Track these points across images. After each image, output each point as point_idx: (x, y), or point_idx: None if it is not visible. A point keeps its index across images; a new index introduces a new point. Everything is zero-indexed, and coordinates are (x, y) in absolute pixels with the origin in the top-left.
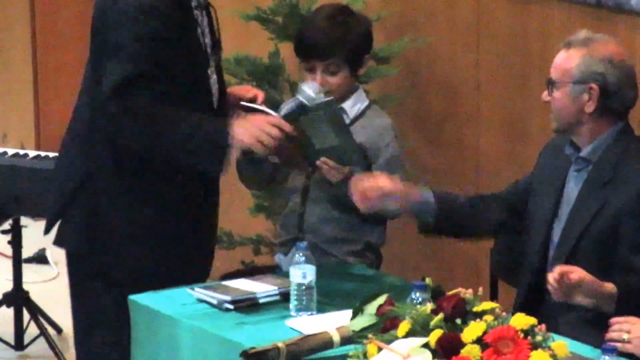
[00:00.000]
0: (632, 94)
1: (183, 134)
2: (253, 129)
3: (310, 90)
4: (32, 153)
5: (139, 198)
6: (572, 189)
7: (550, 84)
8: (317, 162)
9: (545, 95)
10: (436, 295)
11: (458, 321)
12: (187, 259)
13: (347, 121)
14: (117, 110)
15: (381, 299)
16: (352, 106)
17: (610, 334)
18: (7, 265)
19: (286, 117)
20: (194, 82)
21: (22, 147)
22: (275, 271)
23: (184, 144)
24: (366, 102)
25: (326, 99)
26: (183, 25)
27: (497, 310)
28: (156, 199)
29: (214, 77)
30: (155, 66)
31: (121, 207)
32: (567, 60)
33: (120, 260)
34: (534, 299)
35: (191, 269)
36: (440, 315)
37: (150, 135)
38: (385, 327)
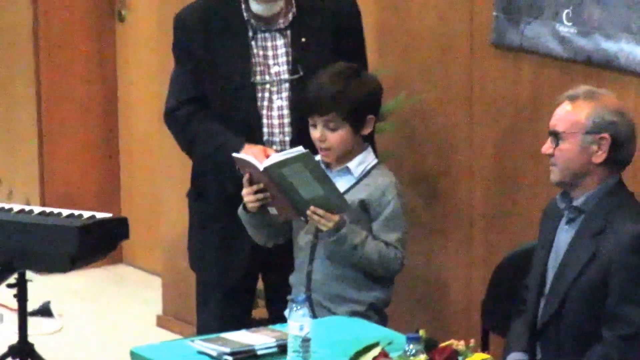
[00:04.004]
0: (634, 147)
1: (204, 152)
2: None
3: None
4: (37, 209)
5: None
6: (563, 240)
7: (556, 136)
8: (307, 212)
9: (547, 148)
10: (429, 346)
11: None
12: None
13: (353, 180)
14: (168, 128)
15: (375, 351)
16: (358, 165)
17: None
18: (13, 318)
19: (269, 168)
20: (228, 105)
21: (28, 204)
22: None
23: (205, 160)
24: (374, 162)
25: (299, 152)
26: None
27: None
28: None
29: (278, 103)
30: (192, 92)
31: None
32: (575, 112)
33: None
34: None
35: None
36: None
37: (186, 147)
38: None
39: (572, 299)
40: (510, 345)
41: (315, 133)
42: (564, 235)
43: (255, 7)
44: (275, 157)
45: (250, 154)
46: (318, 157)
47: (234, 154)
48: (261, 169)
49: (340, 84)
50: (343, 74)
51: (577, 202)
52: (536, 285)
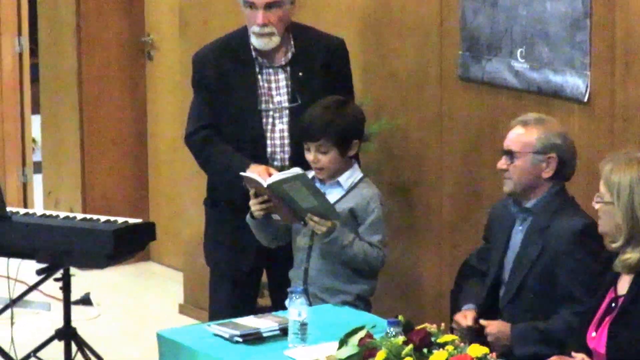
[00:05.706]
0: (575, 163)
1: (216, 169)
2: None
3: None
4: (79, 216)
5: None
6: (517, 239)
7: (510, 155)
8: (306, 218)
9: (502, 164)
10: (407, 329)
11: (425, 350)
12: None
13: (343, 192)
14: (188, 148)
15: (362, 333)
16: (347, 179)
17: None
18: (59, 306)
19: (272, 185)
20: (238, 128)
21: (71, 211)
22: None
23: (218, 176)
24: (360, 176)
25: (296, 173)
26: (225, 82)
27: (456, 341)
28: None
29: (280, 126)
30: (208, 118)
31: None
32: (526, 135)
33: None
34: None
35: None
36: (410, 346)
37: (202, 165)
38: (365, 355)
39: (527, 286)
40: (462, 301)
41: (309, 156)
42: (518, 234)
43: (255, 42)
44: (277, 176)
45: (255, 172)
46: (312, 173)
47: (242, 173)
48: (265, 185)
49: (329, 115)
50: (332, 106)
51: (527, 205)
52: (494, 277)
